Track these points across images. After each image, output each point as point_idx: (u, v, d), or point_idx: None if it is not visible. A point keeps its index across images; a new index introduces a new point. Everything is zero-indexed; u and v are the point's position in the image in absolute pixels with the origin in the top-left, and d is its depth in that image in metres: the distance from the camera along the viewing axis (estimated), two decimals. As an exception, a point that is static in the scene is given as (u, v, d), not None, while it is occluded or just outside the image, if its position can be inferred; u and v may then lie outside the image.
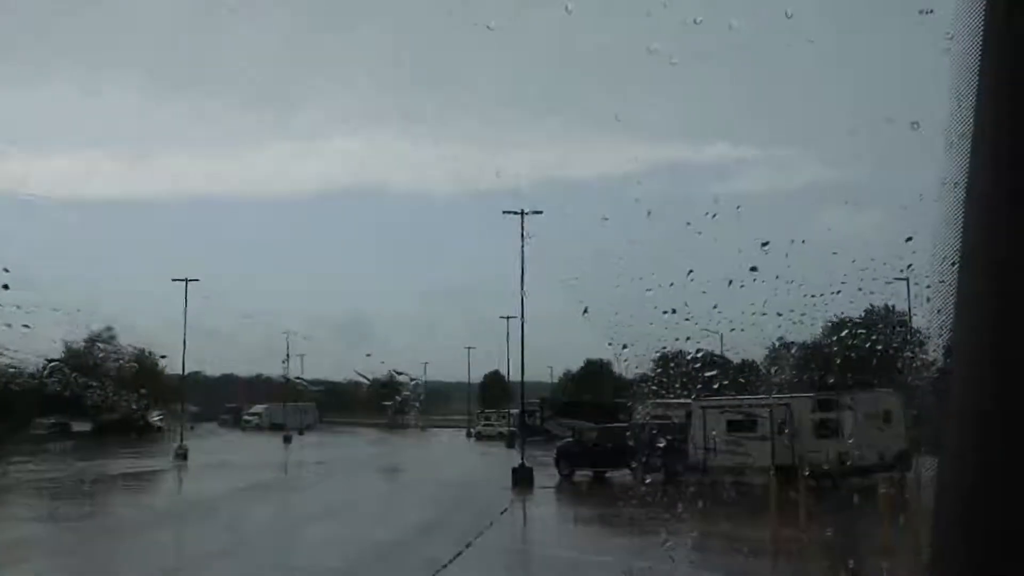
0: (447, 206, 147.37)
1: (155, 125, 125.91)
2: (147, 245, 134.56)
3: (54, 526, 26.62)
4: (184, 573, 19.13)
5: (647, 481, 28.51)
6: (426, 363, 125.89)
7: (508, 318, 62.90)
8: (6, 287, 19.00)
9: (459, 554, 18.79)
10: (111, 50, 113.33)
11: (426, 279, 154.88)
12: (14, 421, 77.43)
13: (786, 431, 31.33)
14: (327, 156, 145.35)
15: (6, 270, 18.82)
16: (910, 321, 31.26)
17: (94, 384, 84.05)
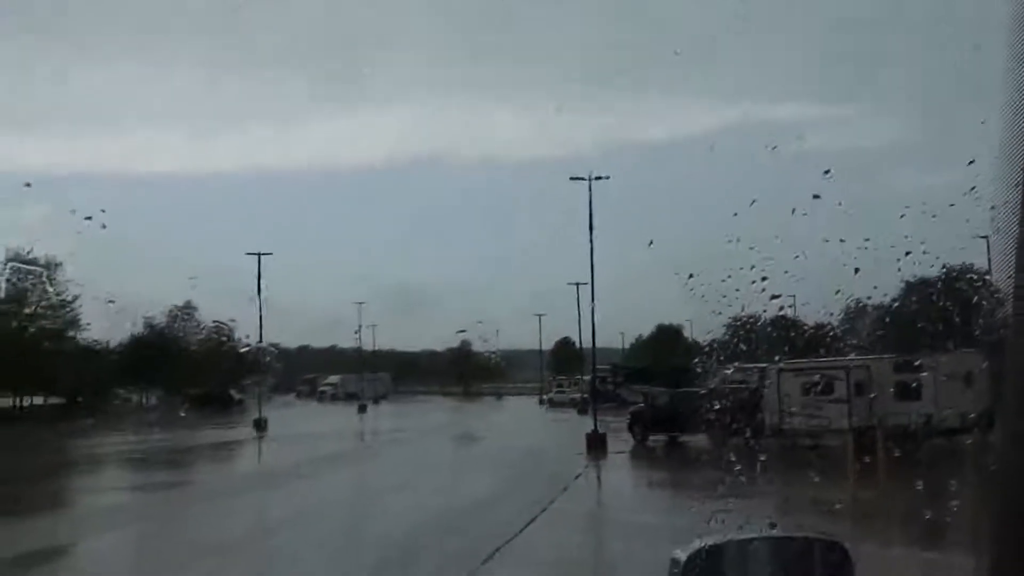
0: (515, 174, 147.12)
1: (221, 101, 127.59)
2: (220, 220, 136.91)
3: (151, 494, 27.41)
4: (267, 537, 19.54)
5: (722, 445, 28.37)
6: (497, 331, 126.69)
7: (578, 284, 62.84)
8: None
9: (534, 519, 18.90)
10: (175, 27, 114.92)
11: (495, 247, 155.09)
12: (98, 394, 79.84)
13: (866, 393, 30.83)
14: (394, 126, 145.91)
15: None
16: (990, 279, 30.44)
17: (174, 358, 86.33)
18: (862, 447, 23.49)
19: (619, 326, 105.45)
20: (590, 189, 39.79)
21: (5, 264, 69.88)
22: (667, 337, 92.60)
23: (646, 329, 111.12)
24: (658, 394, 43.35)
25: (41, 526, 21.04)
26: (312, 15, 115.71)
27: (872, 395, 30.40)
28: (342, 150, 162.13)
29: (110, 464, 37.18)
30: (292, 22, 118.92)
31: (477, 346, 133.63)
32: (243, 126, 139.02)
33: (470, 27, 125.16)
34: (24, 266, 68.25)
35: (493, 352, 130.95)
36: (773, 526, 3.16)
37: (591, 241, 39.45)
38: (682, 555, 2.47)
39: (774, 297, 6.50)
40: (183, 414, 72.88)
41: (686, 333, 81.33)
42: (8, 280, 70.25)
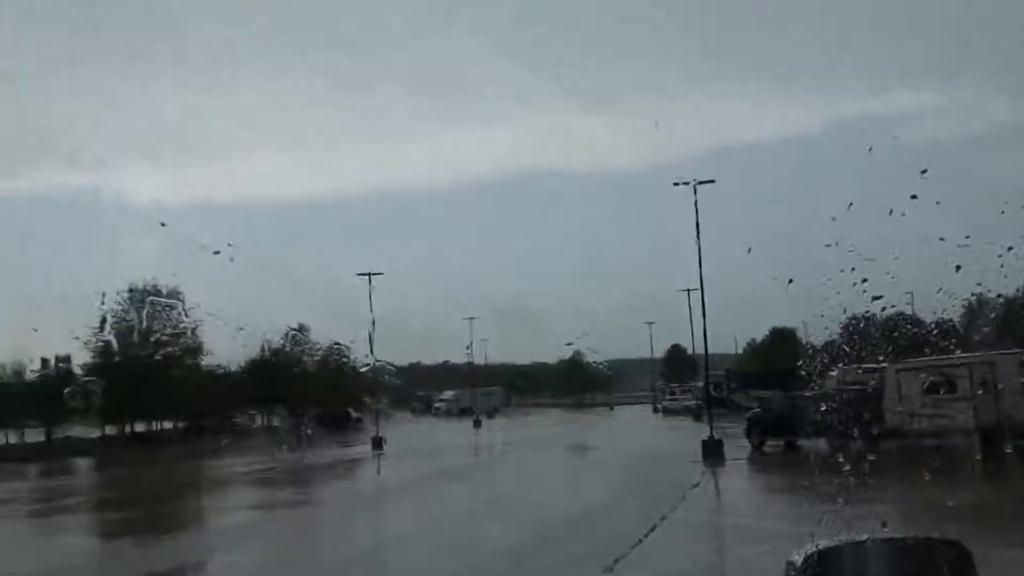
0: (620, 182, 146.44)
1: (329, 124, 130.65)
2: (331, 242, 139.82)
3: (280, 511, 28.31)
4: (397, 548, 19.99)
5: (842, 448, 27.79)
6: (608, 341, 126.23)
7: (688, 290, 62.26)
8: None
9: (653, 528, 18.86)
10: (285, 55, 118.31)
11: (604, 257, 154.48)
12: (222, 417, 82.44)
13: (991, 391, 29.81)
14: (498, 141, 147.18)
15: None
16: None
17: (292, 380, 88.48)
18: (989, 446, 22.76)
19: (732, 331, 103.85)
20: (695, 193, 39.48)
21: (132, 294, 73.03)
22: (781, 341, 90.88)
23: (759, 333, 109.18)
24: (774, 399, 42.65)
25: (193, 541, 21.99)
26: (416, 37, 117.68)
27: (997, 392, 29.38)
28: (448, 168, 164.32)
29: (240, 483, 38.43)
30: (397, 44, 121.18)
31: (588, 357, 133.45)
32: (351, 147, 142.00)
33: (569, 39, 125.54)
34: (156, 298, 71.19)
35: (603, 362, 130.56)
36: (885, 526, 3.18)
37: (699, 246, 39.13)
38: (797, 558, 2.53)
39: (876, 299, 6.47)
40: (309, 432, 74.58)
41: (801, 336, 79.75)
42: (136, 309, 73.37)
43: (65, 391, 69.26)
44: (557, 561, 16.48)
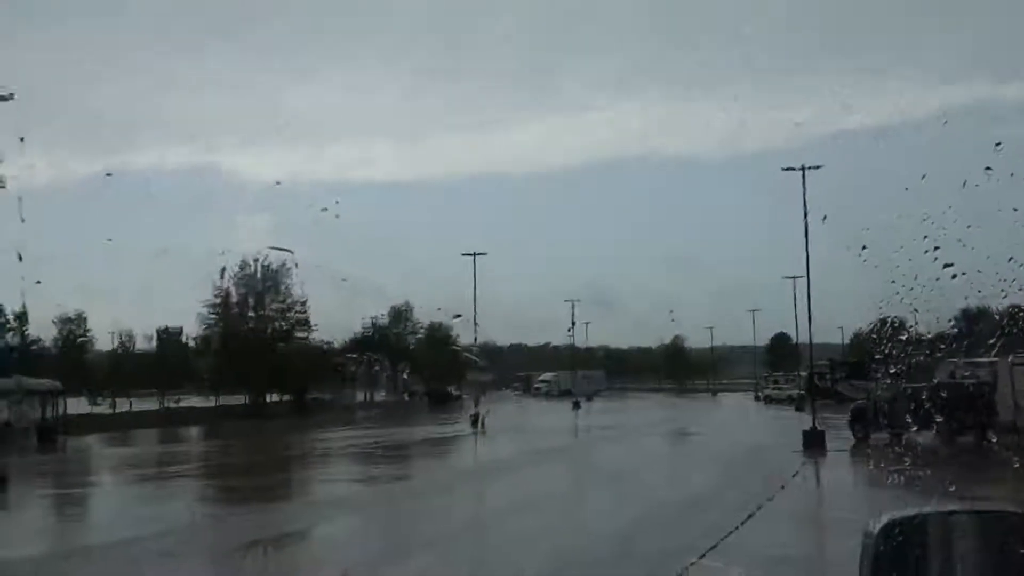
0: (725, 167, 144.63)
1: (434, 108, 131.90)
2: (436, 223, 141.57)
3: (383, 485, 28.98)
4: (487, 526, 20.31)
5: (952, 443, 27.09)
6: (711, 328, 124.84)
7: (794, 278, 61.19)
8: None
9: (750, 516, 18.72)
10: (392, 43, 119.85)
11: (708, 243, 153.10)
12: (327, 392, 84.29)
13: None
14: (602, 125, 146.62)
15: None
16: None
17: (395, 357, 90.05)
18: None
19: (838, 320, 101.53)
20: (803, 179, 38.68)
21: (244, 268, 75.23)
22: (889, 330, 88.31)
23: (866, 323, 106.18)
24: (881, 389, 41.63)
25: (308, 509, 22.71)
26: (514, 21, 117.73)
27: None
28: (553, 151, 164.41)
29: (344, 457, 39.35)
30: (496, 29, 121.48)
31: (690, 342, 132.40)
32: (455, 131, 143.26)
33: (668, 22, 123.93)
34: (267, 273, 73.22)
35: (706, 348, 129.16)
36: (961, 499, 3.13)
37: (806, 233, 38.37)
38: (875, 527, 2.55)
39: (947, 266, 6.33)
40: (418, 401, 75.27)
41: (909, 326, 77.39)
42: (245, 284, 75.54)
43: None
44: (651, 545, 16.50)
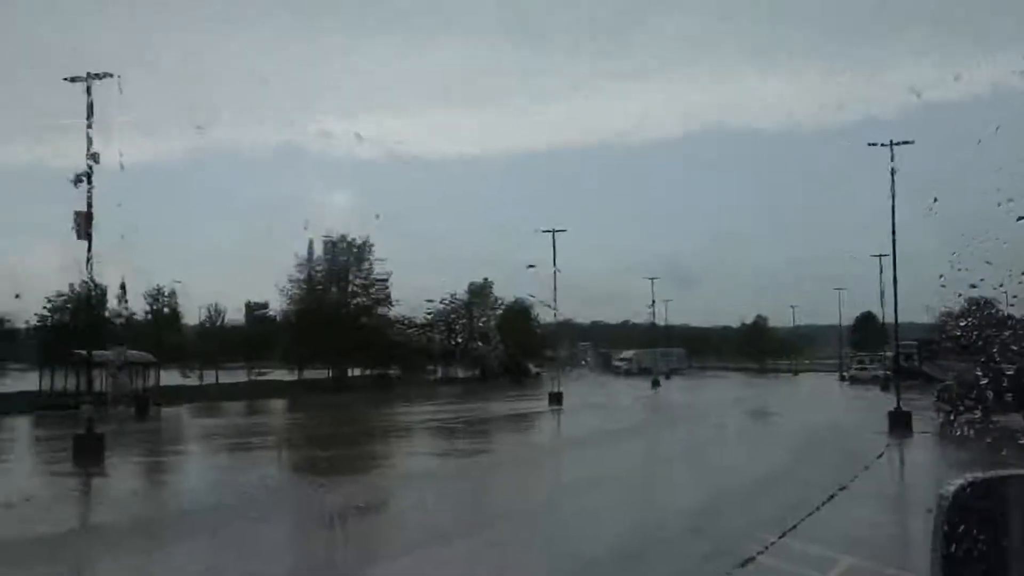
0: (811, 141, 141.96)
1: (509, 81, 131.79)
2: (515, 199, 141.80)
3: (470, 458, 29.46)
4: (571, 499, 20.53)
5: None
6: (794, 306, 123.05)
7: (880, 256, 59.99)
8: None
9: (831, 497, 18.61)
10: (472, 16, 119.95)
11: (792, 219, 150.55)
12: (408, 367, 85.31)
13: None
14: (684, 98, 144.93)
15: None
16: None
17: (474, 333, 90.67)
18: None
19: (926, 298, 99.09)
20: (891, 155, 37.81)
21: (327, 244, 76.51)
22: (978, 310, 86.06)
23: (956, 302, 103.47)
24: (969, 370, 40.70)
25: (396, 480, 23.24)
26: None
27: None
28: (632, 126, 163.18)
29: (424, 431, 39.93)
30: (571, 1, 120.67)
31: (773, 321, 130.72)
32: (533, 105, 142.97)
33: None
34: (349, 249, 74.42)
35: (789, 327, 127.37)
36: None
37: (892, 210, 37.51)
38: (949, 490, 2.57)
39: (1020, 218, 6.27)
40: (497, 378, 76.03)
41: (1001, 306, 75.37)
42: (329, 260, 76.83)
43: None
44: (729, 523, 16.52)
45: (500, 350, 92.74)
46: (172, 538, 16.26)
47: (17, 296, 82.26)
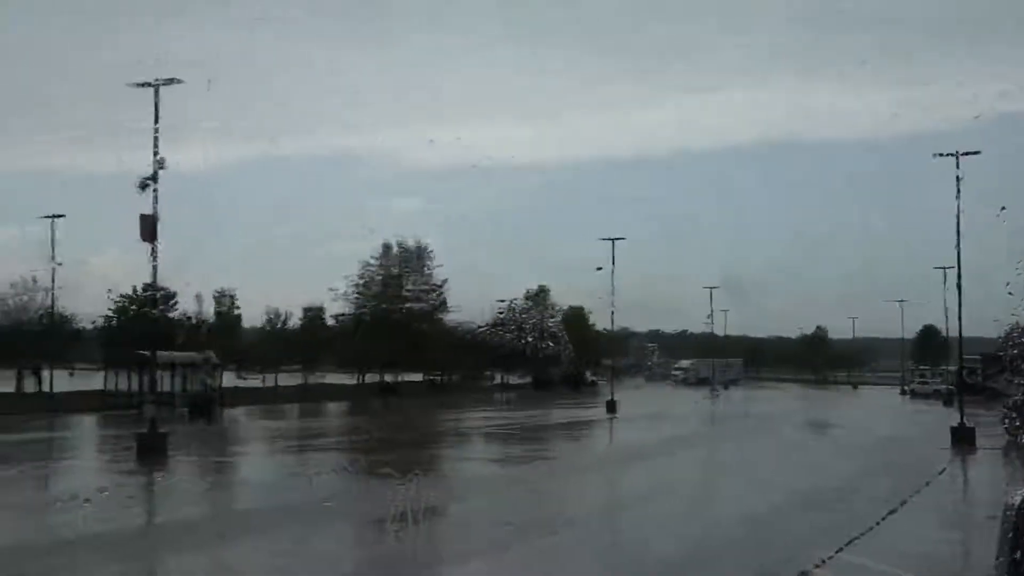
0: (873, 151, 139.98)
1: (571, 90, 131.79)
2: (574, 206, 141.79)
3: (523, 465, 29.56)
4: (629, 507, 20.51)
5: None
6: (854, 318, 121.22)
7: (944, 268, 59.00)
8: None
9: (893, 511, 18.35)
10: (531, 26, 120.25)
11: (853, 229, 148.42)
12: (466, 373, 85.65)
13: None
14: (745, 108, 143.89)
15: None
16: None
17: (530, 340, 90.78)
18: None
19: (992, 312, 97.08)
20: (957, 166, 37.14)
21: (385, 250, 77.13)
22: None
23: None
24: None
25: (449, 485, 23.38)
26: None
27: None
28: (691, 135, 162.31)
29: (481, 437, 40.13)
30: (637, 10, 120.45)
31: (832, 333, 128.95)
32: (592, 114, 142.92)
33: (813, 3, 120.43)
34: (407, 255, 75.04)
35: (848, 339, 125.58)
36: None
37: (957, 221, 36.85)
38: (1015, 499, 2.62)
39: None
40: (537, 395, 76.17)
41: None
42: (387, 265, 77.44)
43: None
44: (787, 535, 16.40)
45: (570, 349, 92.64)
46: (242, 534, 16.55)
47: (83, 297, 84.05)
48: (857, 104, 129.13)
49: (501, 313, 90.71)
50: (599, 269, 59.59)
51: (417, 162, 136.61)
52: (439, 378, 79.61)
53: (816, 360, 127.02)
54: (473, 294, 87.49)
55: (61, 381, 61.41)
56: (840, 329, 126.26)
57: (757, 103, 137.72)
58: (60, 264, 57.88)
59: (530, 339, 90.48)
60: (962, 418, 35.85)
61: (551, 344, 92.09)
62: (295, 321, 79.90)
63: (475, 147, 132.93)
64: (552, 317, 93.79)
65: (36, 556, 14.16)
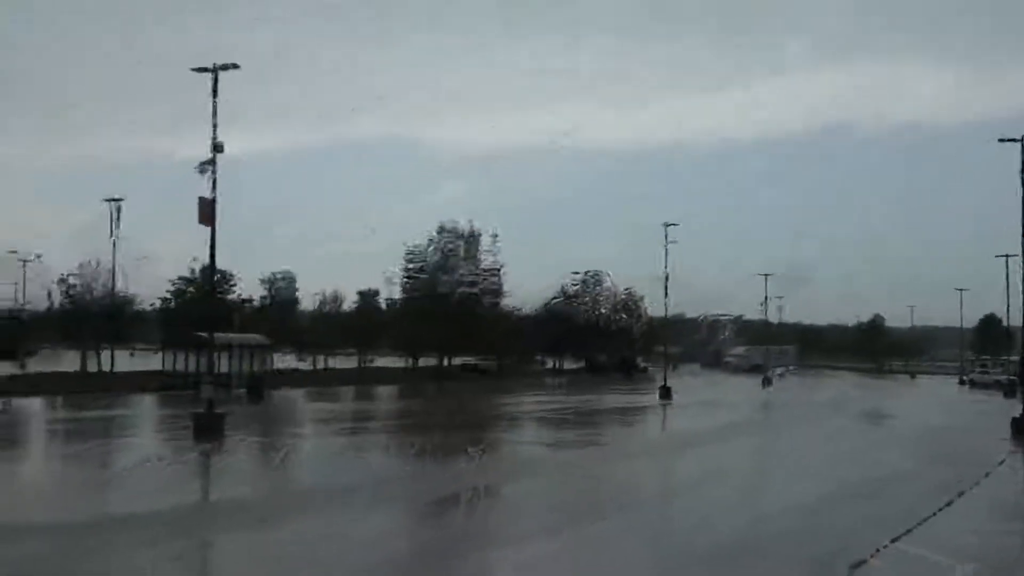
0: (933, 138, 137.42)
1: (634, 75, 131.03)
2: (630, 190, 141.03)
3: (576, 449, 29.62)
4: (681, 494, 20.44)
5: None
6: (912, 306, 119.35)
7: (1007, 256, 57.86)
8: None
9: (950, 503, 18.06)
10: (585, 7, 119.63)
11: (914, 217, 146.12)
12: (519, 357, 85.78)
13: None
14: (802, 94, 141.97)
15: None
16: None
17: (584, 324, 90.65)
18: None
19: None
20: (1023, 151, 36.26)
21: (440, 234, 77.41)
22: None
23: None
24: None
25: (503, 468, 23.57)
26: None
27: None
28: (749, 120, 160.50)
29: (534, 421, 40.20)
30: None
31: (890, 321, 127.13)
32: (655, 98, 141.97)
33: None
34: (461, 239, 75.34)
35: (906, 328, 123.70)
36: None
37: (1023, 209, 36.01)
38: None
39: None
40: (589, 380, 76.11)
41: None
42: (441, 249, 77.75)
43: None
44: (840, 524, 16.22)
45: (643, 321, 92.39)
46: (297, 512, 16.77)
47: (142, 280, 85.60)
48: (919, 88, 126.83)
49: (576, 285, 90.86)
50: (672, 241, 58.73)
51: (471, 145, 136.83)
52: (478, 365, 79.41)
53: (873, 348, 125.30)
54: (525, 279, 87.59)
55: (122, 361, 62.73)
56: (898, 317, 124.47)
57: (813, 88, 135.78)
58: (121, 247, 59.12)
59: (603, 311, 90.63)
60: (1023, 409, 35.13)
61: (624, 316, 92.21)
62: (349, 304, 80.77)
63: (533, 131, 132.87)
64: (627, 288, 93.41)
65: (93, 531, 14.51)
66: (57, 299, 65.64)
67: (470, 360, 78.70)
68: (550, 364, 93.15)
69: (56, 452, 27.49)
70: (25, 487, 20.16)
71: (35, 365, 57.68)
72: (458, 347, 76.57)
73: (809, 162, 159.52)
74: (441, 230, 77.49)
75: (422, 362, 77.89)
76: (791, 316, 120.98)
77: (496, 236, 77.60)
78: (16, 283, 65.40)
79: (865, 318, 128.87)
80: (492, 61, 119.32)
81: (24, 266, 65.67)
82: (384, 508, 17.60)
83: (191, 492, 19.56)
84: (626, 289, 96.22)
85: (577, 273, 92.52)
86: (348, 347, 78.69)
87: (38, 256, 65.11)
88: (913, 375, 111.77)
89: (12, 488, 19.73)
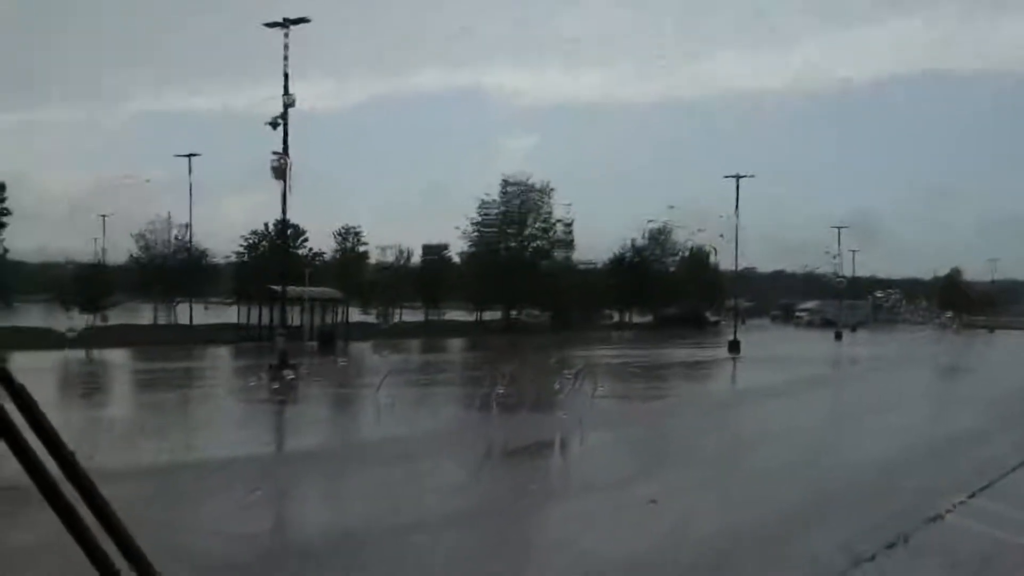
0: (1015, 84, 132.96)
1: (700, 25, 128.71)
2: (701, 144, 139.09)
3: (642, 404, 29.65)
4: (755, 447, 20.35)
5: None
6: (994, 260, 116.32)
7: (1092, 208, 56.00)
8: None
9: (1026, 462, 17.69)
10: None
11: (994, 167, 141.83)
12: (585, 312, 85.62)
13: None
14: (879, 42, 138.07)
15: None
16: None
17: (653, 278, 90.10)
18: None
19: None
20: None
21: (506, 187, 77.37)
22: None
23: None
24: None
25: (568, 422, 23.77)
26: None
27: None
28: (822, 70, 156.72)
29: (600, 375, 40.18)
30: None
31: (969, 275, 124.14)
32: (722, 48, 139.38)
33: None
34: (529, 192, 75.27)
35: (986, 281, 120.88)
36: None
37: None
38: None
39: None
40: (657, 334, 75.67)
41: None
42: (509, 202, 77.74)
43: None
44: (913, 481, 16.01)
45: (680, 295, 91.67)
46: (369, 463, 17.12)
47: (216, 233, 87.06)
48: (1002, 34, 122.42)
49: (645, 238, 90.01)
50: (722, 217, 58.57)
51: (540, 99, 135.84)
52: (528, 318, 78.76)
53: (951, 303, 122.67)
54: (594, 232, 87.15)
55: (197, 314, 64.16)
56: (978, 271, 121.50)
57: (897, 37, 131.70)
58: (196, 202, 60.18)
59: (673, 265, 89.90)
60: (1108, 365, 34.21)
61: (695, 269, 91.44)
62: (416, 259, 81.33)
63: (603, 85, 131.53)
64: (699, 229, 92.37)
65: (171, 477, 14.94)
66: (134, 253, 67.28)
67: (516, 315, 77.98)
68: (616, 318, 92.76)
69: (146, 400, 28.35)
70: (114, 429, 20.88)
71: (115, 318, 59.31)
72: (525, 301, 76.68)
73: (890, 113, 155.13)
74: (506, 182, 77.40)
75: (488, 316, 78.16)
76: (865, 270, 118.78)
77: (553, 189, 77.05)
78: (96, 238, 67.14)
79: (942, 272, 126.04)
80: (574, 11, 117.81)
81: (104, 221, 67.37)
82: (455, 458, 17.88)
83: (263, 443, 20.02)
84: (696, 242, 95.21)
85: (652, 221, 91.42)
86: (416, 301, 79.33)
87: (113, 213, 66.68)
88: (991, 330, 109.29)
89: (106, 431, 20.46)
